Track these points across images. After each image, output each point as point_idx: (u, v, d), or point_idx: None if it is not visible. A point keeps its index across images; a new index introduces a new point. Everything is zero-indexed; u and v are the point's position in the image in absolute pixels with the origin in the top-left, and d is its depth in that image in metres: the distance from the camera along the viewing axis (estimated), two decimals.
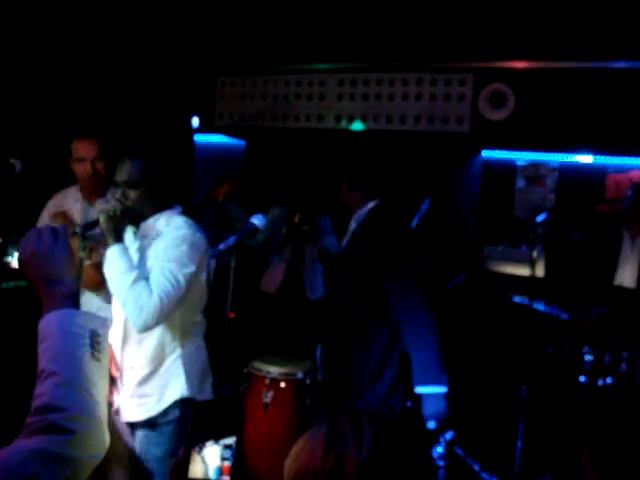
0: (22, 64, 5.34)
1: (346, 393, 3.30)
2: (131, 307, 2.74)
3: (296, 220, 3.59)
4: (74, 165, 3.91)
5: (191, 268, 2.85)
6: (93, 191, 3.89)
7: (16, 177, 4.14)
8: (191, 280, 2.87)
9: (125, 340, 2.99)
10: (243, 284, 5.13)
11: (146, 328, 2.79)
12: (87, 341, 1.42)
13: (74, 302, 1.52)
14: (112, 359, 3.01)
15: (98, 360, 1.43)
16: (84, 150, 3.86)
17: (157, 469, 2.95)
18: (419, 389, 3.12)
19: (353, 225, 3.44)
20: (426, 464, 1.17)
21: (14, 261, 1.70)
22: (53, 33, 5.44)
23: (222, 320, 3.16)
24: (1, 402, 3.27)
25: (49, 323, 1.44)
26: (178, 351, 3.02)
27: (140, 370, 2.99)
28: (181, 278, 2.80)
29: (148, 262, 2.90)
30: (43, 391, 1.33)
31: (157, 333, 2.93)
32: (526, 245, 4.39)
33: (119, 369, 3.03)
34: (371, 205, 3.43)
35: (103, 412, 1.38)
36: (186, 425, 3.05)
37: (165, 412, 2.98)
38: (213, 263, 3.10)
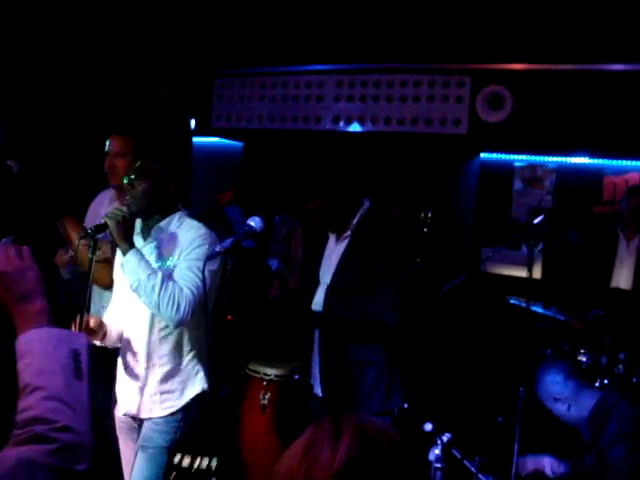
0: (17, 65, 5.34)
1: (349, 406, 3.27)
2: (167, 306, 2.83)
3: None
4: None
5: (214, 265, 2.96)
6: (117, 190, 3.92)
7: (13, 179, 4.14)
8: (213, 277, 2.98)
9: (148, 339, 3.05)
10: (239, 286, 5.14)
11: (181, 323, 2.91)
12: (69, 360, 1.43)
13: (48, 319, 1.52)
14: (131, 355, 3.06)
15: (80, 379, 1.44)
16: (112, 144, 3.95)
17: (157, 457, 3.00)
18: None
19: (347, 232, 3.39)
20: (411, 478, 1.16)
21: None
22: (49, 36, 5.44)
23: (219, 322, 3.17)
24: None
25: (29, 340, 1.45)
26: (195, 346, 3.10)
27: (162, 367, 3.05)
28: (207, 274, 2.89)
29: (168, 261, 2.99)
30: (29, 404, 1.34)
31: (177, 330, 3.02)
32: (526, 246, 4.40)
33: (142, 368, 3.07)
34: (365, 207, 3.41)
35: (88, 425, 1.40)
36: (196, 417, 3.10)
37: (185, 407, 3.06)
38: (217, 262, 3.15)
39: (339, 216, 3.37)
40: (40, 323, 1.49)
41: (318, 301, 3.41)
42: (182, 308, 2.85)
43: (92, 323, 2.92)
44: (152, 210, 3.05)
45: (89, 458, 1.35)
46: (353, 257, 3.33)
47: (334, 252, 3.43)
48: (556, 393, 3.32)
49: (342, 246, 3.40)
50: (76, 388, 1.41)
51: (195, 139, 7.22)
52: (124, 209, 2.92)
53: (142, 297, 2.89)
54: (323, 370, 3.36)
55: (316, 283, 3.49)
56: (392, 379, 3.37)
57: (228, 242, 2.90)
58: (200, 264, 2.89)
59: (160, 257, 3.01)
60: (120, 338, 3.11)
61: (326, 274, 3.44)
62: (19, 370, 1.42)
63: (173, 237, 3.04)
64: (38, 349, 1.42)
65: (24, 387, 1.38)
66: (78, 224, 3.92)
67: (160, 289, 2.83)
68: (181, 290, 2.86)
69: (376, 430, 1.16)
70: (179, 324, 2.92)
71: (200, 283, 2.89)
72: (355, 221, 3.36)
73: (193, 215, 3.46)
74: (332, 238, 3.48)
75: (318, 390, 3.44)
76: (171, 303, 2.84)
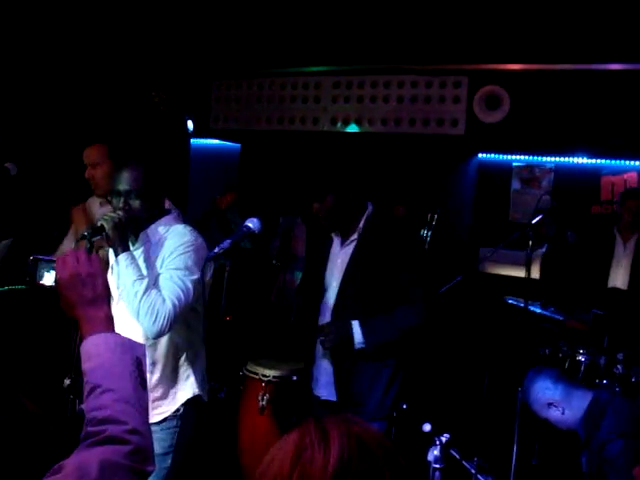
0: (16, 69, 5.34)
1: (362, 409, 3.26)
2: (145, 315, 2.78)
3: None
4: None
5: (198, 274, 2.91)
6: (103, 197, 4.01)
7: (11, 181, 4.15)
8: (197, 285, 2.92)
9: None
10: (237, 287, 5.13)
11: (159, 335, 2.84)
12: (134, 367, 1.50)
13: (113, 325, 1.60)
14: None
15: (143, 387, 1.51)
16: (86, 156, 4.02)
17: (157, 464, 2.97)
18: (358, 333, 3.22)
19: (354, 235, 3.36)
20: (403, 475, 1.16)
21: (45, 280, 1.77)
22: (47, 40, 5.44)
23: (217, 323, 3.17)
24: None
25: (97, 344, 1.52)
26: (185, 352, 3.07)
27: (153, 374, 3.02)
28: (189, 284, 2.86)
29: (152, 268, 2.93)
30: (102, 404, 1.41)
31: (167, 336, 2.96)
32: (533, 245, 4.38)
33: None
34: (370, 210, 3.39)
35: (150, 430, 1.46)
36: (191, 423, 3.09)
37: (176, 411, 3.03)
38: (212, 266, 3.13)
39: (345, 217, 3.34)
40: (106, 329, 1.57)
41: (327, 309, 3.40)
42: (159, 320, 2.77)
43: None
44: (147, 220, 3.00)
45: (154, 461, 1.43)
46: (363, 260, 3.31)
47: (339, 256, 3.40)
48: (548, 398, 3.33)
49: (349, 250, 3.38)
50: (141, 394, 1.48)
51: (193, 141, 7.22)
52: (120, 212, 2.87)
53: (126, 302, 2.86)
54: (337, 373, 3.34)
55: (320, 287, 3.47)
56: (402, 381, 3.39)
57: (227, 243, 2.90)
58: (182, 273, 2.86)
59: (145, 264, 2.95)
60: None
61: (332, 279, 3.41)
62: (85, 370, 1.49)
63: (159, 243, 2.98)
64: (107, 353, 1.49)
65: (93, 387, 1.45)
66: (84, 215, 3.98)
67: (142, 297, 2.77)
68: (163, 302, 2.79)
69: (361, 429, 1.16)
70: (156, 336, 2.84)
71: (182, 294, 2.83)
72: (361, 224, 3.34)
73: (189, 216, 3.46)
74: (336, 242, 3.45)
75: (319, 392, 3.43)
76: (149, 313, 2.77)
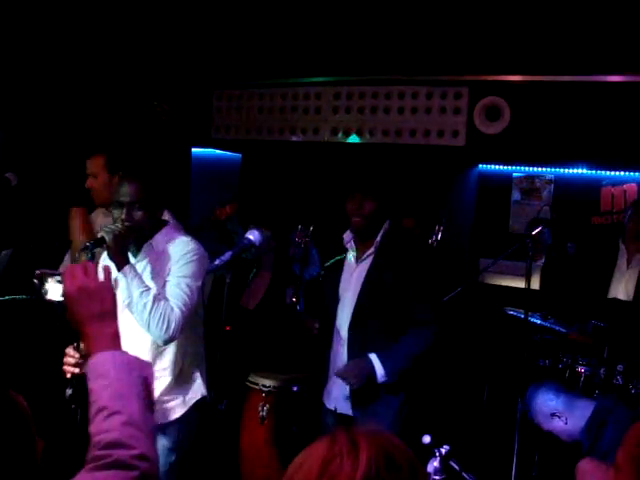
0: (16, 78, 5.36)
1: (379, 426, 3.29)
2: (157, 324, 2.88)
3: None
4: None
5: (201, 280, 3.05)
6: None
7: (12, 191, 4.16)
8: (200, 290, 3.06)
9: (148, 354, 3.10)
10: (238, 297, 5.14)
11: (171, 340, 2.99)
12: (141, 388, 1.47)
13: (120, 343, 1.57)
14: None
15: (151, 409, 1.48)
16: (87, 167, 4.08)
17: (164, 459, 3.05)
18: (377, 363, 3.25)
19: (370, 250, 3.40)
20: None
21: (52, 295, 1.73)
22: (47, 50, 5.46)
23: (218, 334, 3.20)
24: None
25: (104, 362, 1.48)
26: (191, 355, 3.20)
27: (164, 380, 3.12)
28: (195, 289, 2.99)
29: (160, 278, 3.02)
30: (109, 427, 1.38)
31: (175, 342, 3.09)
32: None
33: None
34: (387, 226, 3.43)
35: (157, 455, 1.42)
36: (195, 421, 3.22)
37: (187, 412, 3.17)
38: (210, 279, 3.22)
39: (373, 228, 3.39)
40: (113, 346, 1.54)
41: (343, 323, 3.44)
42: (172, 327, 2.89)
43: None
44: (148, 231, 3.08)
45: None
46: (379, 278, 3.34)
47: (355, 272, 3.44)
48: (551, 409, 3.35)
49: (364, 265, 3.41)
50: (148, 416, 1.45)
51: (194, 150, 7.22)
52: (119, 224, 2.94)
53: (134, 314, 2.92)
54: (353, 391, 3.36)
55: (334, 299, 3.49)
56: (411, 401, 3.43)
57: (228, 255, 2.94)
58: (189, 280, 2.98)
59: (151, 275, 3.03)
60: None
61: (347, 294, 3.44)
62: (93, 390, 1.45)
63: (163, 253, 3.06)
64: (114, 373, 1.46)
65: (100, 409, 1.41)
66: (86, 218, 4.02)
67: (152, 308, 2.86)
68: (172, 310, 2.90)
69: (388, 441, 1.17)
70: (167, 342, 2.98)
71: (188, 300, 2.95)
72: (379, 239, 3.38)
73: (189, 227, 3.48)
74: (351, 257, 3.48)
75: (332, 405, 3.47)
76: (161, 322, 2.87)
